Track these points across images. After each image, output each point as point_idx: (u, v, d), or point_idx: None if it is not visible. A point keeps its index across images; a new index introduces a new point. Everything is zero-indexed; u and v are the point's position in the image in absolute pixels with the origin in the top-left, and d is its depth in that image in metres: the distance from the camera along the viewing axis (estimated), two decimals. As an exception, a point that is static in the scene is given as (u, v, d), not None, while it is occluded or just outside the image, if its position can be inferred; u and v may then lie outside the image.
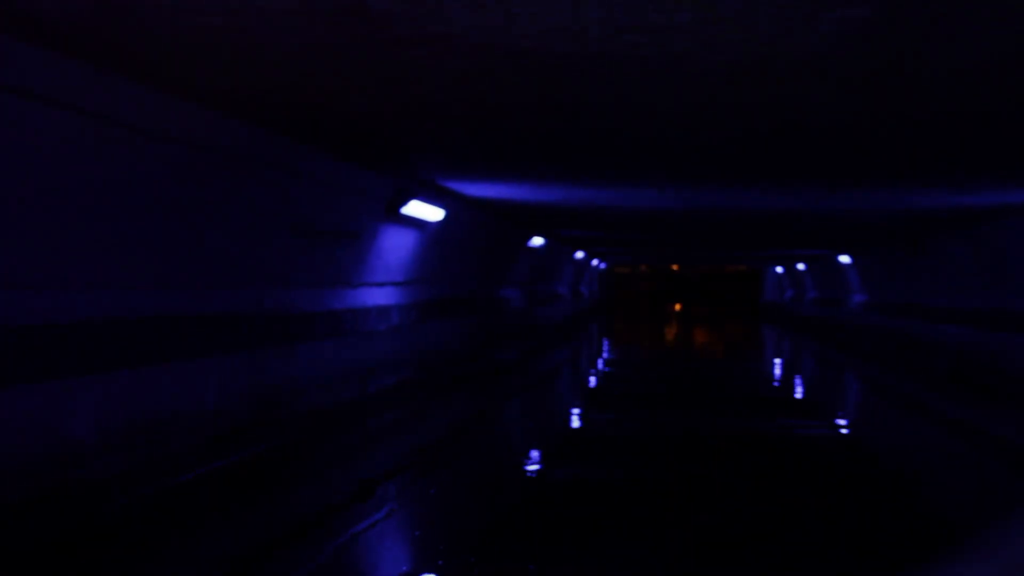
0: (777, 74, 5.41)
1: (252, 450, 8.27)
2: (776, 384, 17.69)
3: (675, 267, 73.77)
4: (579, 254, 30.84)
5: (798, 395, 16.07)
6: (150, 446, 6.86)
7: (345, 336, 10.72)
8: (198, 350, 7.49)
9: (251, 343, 8.54)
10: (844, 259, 28.23)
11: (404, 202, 11.27)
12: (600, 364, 20.99)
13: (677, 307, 60.05)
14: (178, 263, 7.32)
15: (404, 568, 6.16)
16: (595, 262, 42.25)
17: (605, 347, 26.40)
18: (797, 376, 19.88)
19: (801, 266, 38.25)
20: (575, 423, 12.10)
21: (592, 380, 17.96)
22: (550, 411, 13.74)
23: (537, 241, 21.47)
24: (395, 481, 8.33)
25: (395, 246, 12.21)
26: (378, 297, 12.04)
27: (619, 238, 24.12)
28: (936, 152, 8.32)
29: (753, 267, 58.17)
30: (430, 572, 5.89)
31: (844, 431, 12.06)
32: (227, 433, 7.96)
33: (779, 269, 47.07)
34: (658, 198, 12.93)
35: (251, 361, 8.59)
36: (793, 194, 12.21)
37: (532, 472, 8.93)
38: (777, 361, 23.89)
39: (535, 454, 9.81)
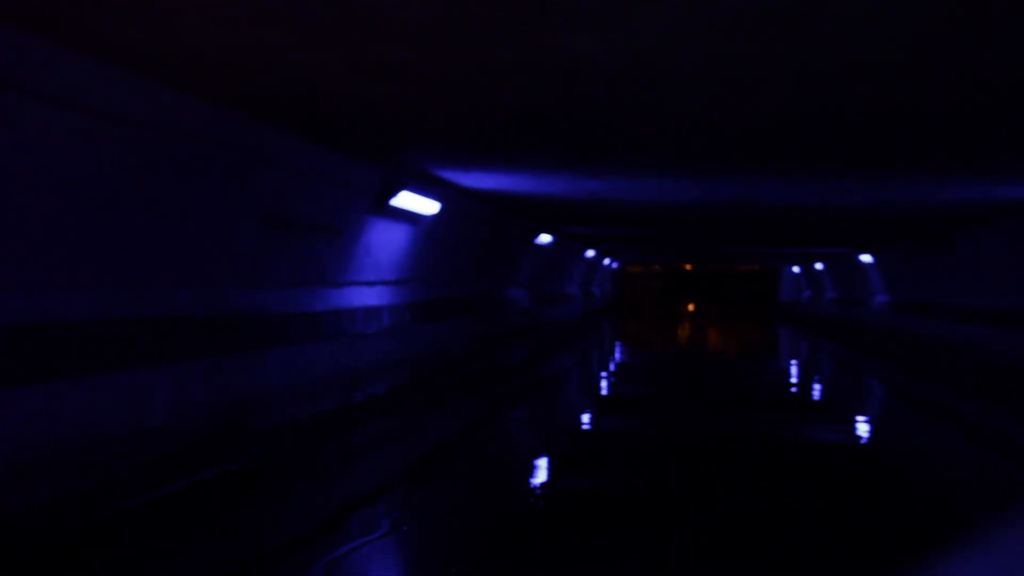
0: (822, 33, 4.41)
1: (205, 473, 7.30)
2: (799, 391, 16.65)
3: (688, 266, 72.83)
4: (590, 253, 29.83)
5: (821, 402, 15.03)
6: (78, 472, 5.89)
7: (328, 340, 9.76)
8: (141, 358, 6.52)
9: (212, 349, 7.57)
10: (866, 258, 27.17)
11: (393, 193, 10.30)
12: (609, 366, 19.98)
13: (690, 307, 58.93)
14: (117, 259, 6.34)
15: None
16: (607, 261, 41.22)
17: (615, 349, 25.38)
18: (819, 382, 18.83)
19: (819, 265, 37.16)
20: (580, 433, 11.09)
21: (600, 384, 16.95)
22: (554, 419, 12.75)
23: (544, 238, 20.48)
24: (374, 506, 7.35)
25: (385, 242, 11.24)
26: (367, 297, 11.07)
27: (630, 235, 23.09)
28: (984, 137, 7.30)
29: (769, 266, 57.06)
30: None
31: (873, 444, 11.04)
32: (179, 452, 6.99)
33: (796, 269, 45.94)
34: (672, 190, 11.93)
35: (212, 369, 7.63)
36: (820, 186, 11.19)
37: (534, 494, 7.96)
38: (800, 366, 22.85)
39: (537, 471, 8.82)
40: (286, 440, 8.75)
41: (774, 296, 55.15)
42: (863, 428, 12.65)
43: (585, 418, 12.25)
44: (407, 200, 10.64)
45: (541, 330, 22.92)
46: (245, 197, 7.68)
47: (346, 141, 8.38)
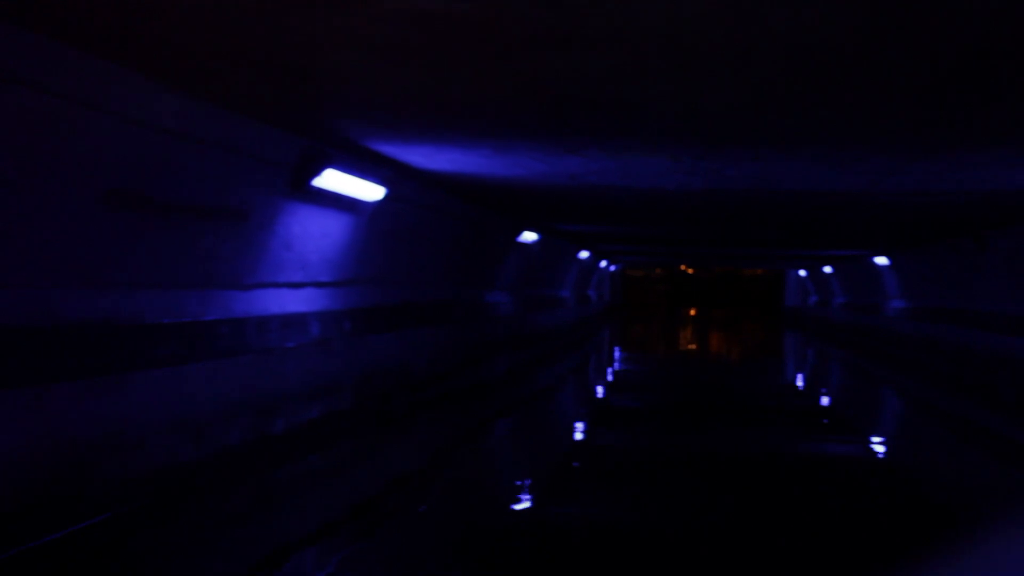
0: None
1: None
2: (819, 411, 14.47)
3: (690, 270, 70.86)
4: (583, 254, 27.65)
5: (845, 423, 12.83)
6: None
7: (225, 358, 7.58)
8: None
9: (23, 376, 5.41)
10: (881, 260, 24.99)
11: (317, 171, 8.14)
12: (603, 379, 17.79)
13: (692, 312, 56.72)
14: None
15: None
16: (604, 264, 39.02)
17: (611, 358, 23.18)
18: (840, 399, 16.65)
19: (828, 269, 34.96)
20: (564, 470, 8.91)
21: (590, 401, 14.77)
22: (535, 446, 10.58)
23: (529, 236, 18.29)
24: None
25: (315, 234, 9.08)
26: (289, 302, 8.90)
27: (625, 234, 20.87)
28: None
29: (773, 270, 54.90)
30: None
31: (910, 472, 8.89)
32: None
33: (802, 272, 43.72)
34: (670, 174, 9.76)
35: (31, 403, 5.46)
36: (847, 168, 9.03)
37: (499, 556, 5.79)
38: (815, 380, 20.66)
39: (508, 521, 6.66)
40: (156, 491, 6.57)
41: (779, 301, 52.94)
42: (895, 453, 10.48)
43: (574, 442, 10.07)
44: (337, 181, 8.47)
45: (528, 339, 20.74)
46: (74, 163, 5.52)
47: (245, 96, 6.25)
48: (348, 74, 5.62)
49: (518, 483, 8.38)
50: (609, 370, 20.01)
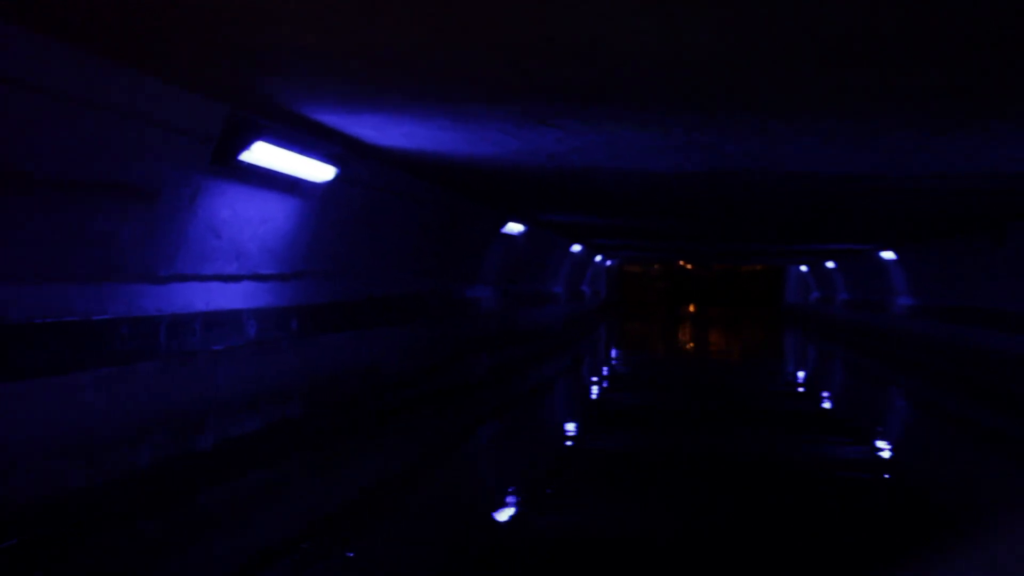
0: None
1: None
2: (822, 410, 13.27)
3: (688, 266, 69.79)
4: (576, 248, 26.44)
5: (851, 428, 11.64)
6: None
7: (129, 363, 6.38)
8: None
9: None
10: (888, 255, 23.78)
11: (245, 144, 6.92)
12: (593, 382, 16.60)
13: (691, 308, 55.50)
14: None
15: None
16: (599, 259, 37.80)
17: (602, 358, 21.99)
18: (844, 400, 15.46)
19: (831, 264, 33.76)
20: (546, 487, 7.71)
21: (577, 406, 13.59)
22: (517, 459, 9.39)
23: (515, 227, 17.08)
24: None
25: (250, 219, 7.87)
26: (219, 298, 7.69)
27: (618, 226, 19.64)
28: None
29: (773, 266, 53.72)
30: None
31: (911, 479, 7.71)
32: None
33: (803, 268, 42.51)
34: (661, 153, 8.56)
35: None
36: (867, 145, 7.83)
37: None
38: (820, 382, 19.48)
39: (478, 554, 5.46)
40: (27, 526, 5.36)
41: (780, 297, 51.73)
42: (907, 462, 9.30)
43: (559, 453, 8.87)
44: (272, 156, 7.26)
45: (515, 337, 19.53)
46: None
47: (150, 51, 5.04)
48: (276, 24, 4.42)
49: (493, 512, 7.18)
50: (599, 372, 18.81)
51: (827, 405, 14.68)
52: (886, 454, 10.19)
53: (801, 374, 20.25)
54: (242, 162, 7.06)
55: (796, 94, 5.95)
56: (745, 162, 9.05)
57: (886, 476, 9.02)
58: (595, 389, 15.69)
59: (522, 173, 10.35)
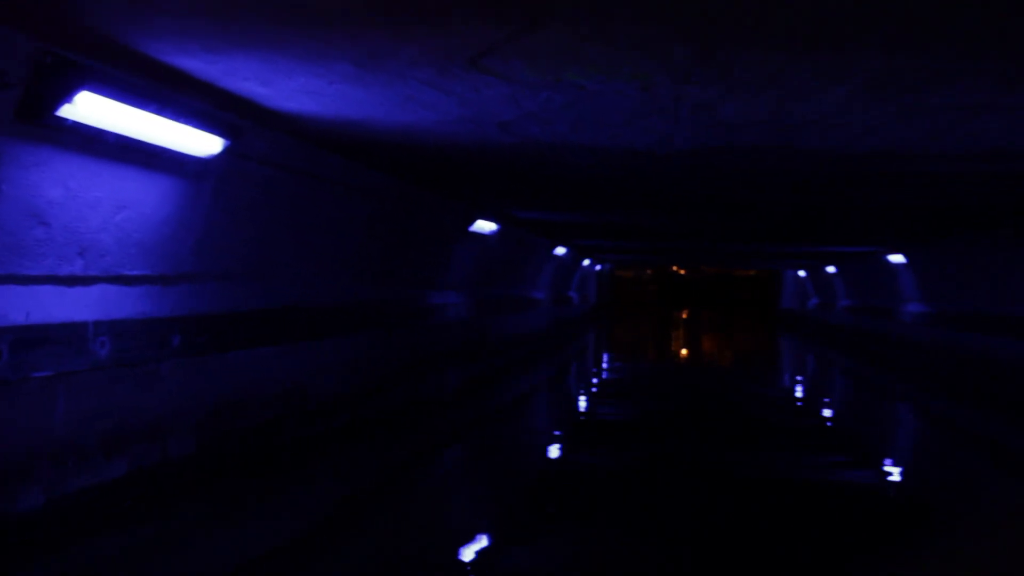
0: None
1: None
2: (822, 426, 11.39)
3: (682, 271, 68.04)
4: (560, 250, 24.54)
5: (860, 453, 9.76)
6: None
7: None
8: None
9: None
10: (896, 258, 21.94)
11: (65, 94, 5.02)
12: (575, 393, 14.70)
13: (684, 314, 53.62)
14: None
15: None
16: (587, 263, 35.88)
17: (588, 368, 20.09)
18: (854, 419, 13.58)
19: (831, 268, 31.91)
20: (512, 533, 5.82)
21: (552, 425, 11.70)
22: (467, 499, 7.49)
23: (485, 226, 15.18)
24: None
25: (100, 201, 5.95)
26: (50, 307, 5.77)
27: (601, 224, 17.71)
28: None
29: (769, 270, 51.92)
30: None
31: (925, 507, 5.86)
32: None
33: (801, 273, 40.62)
34: (643, 116, 6.68)
35: None
36: (908, 108, 5.99)
37: None
38: (832, 402, 17.63)
39: None
40: None
41: (775, 303, 49.87)
42: (922, 488, 7.43)
43: (528, 487, 6.97)
44: (106, 112, 5.34)
45: (489, 347, 17.61)
46: None
47: None
48: None
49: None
50: (584, 384, 16.91)
51: (831, 422, 12.80)
52: (912, 492, 8.31)
53: (803, 389, 18.38)
54: (65, 120, 5.15)
55: (831, 16, 4.08)
56: (746, 135, 7.16)
57: (904, 507, 7.14)
58: (578, 405, 13.80)
59: (475, 152, 8.46)
